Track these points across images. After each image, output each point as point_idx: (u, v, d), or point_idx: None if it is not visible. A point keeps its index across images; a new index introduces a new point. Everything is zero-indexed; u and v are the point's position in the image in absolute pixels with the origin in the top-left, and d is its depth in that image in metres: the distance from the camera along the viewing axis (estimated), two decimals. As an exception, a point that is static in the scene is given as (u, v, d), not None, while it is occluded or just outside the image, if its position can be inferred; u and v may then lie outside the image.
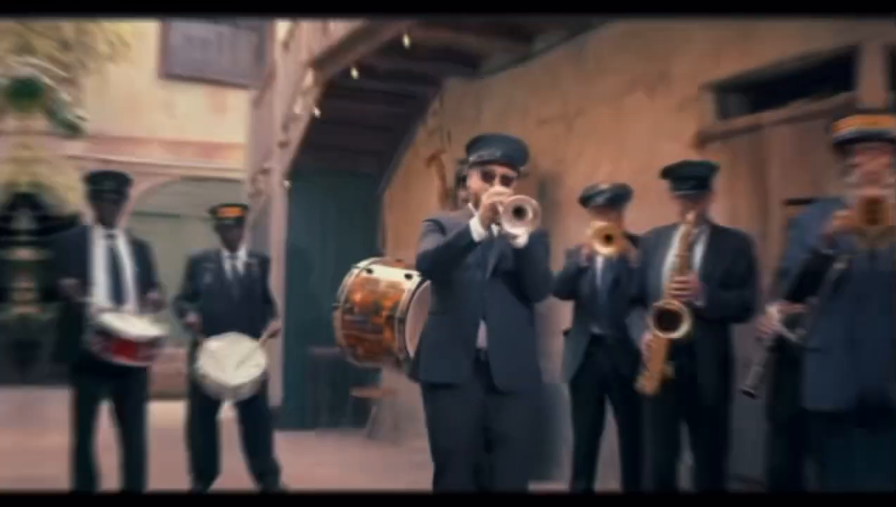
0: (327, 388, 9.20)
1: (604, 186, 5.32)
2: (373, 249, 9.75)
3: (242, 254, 6.30)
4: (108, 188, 5.42)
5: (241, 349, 5.96)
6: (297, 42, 9.35)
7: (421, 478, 6.72)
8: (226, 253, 6.26)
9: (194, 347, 6.01)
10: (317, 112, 8.74)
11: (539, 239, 3.77)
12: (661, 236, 4.67)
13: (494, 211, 3.56)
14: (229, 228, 6.25)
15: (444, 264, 3.72)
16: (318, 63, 8.51)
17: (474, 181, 3.87)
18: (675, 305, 4.23)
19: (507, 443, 3.78)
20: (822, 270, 3.44)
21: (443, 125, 8.75)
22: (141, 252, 5.53)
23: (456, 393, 3.75)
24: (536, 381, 3.99)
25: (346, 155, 9.99)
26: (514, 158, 3.85)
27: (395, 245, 9.56)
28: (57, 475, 5.43)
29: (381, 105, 9.33)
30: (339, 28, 7.85)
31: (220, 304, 6.13)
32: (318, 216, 9.85)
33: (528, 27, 7.15)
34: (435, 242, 3.75)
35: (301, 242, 9.71)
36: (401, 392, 8.78)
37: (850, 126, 3.49)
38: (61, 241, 5.54)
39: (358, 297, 5.60)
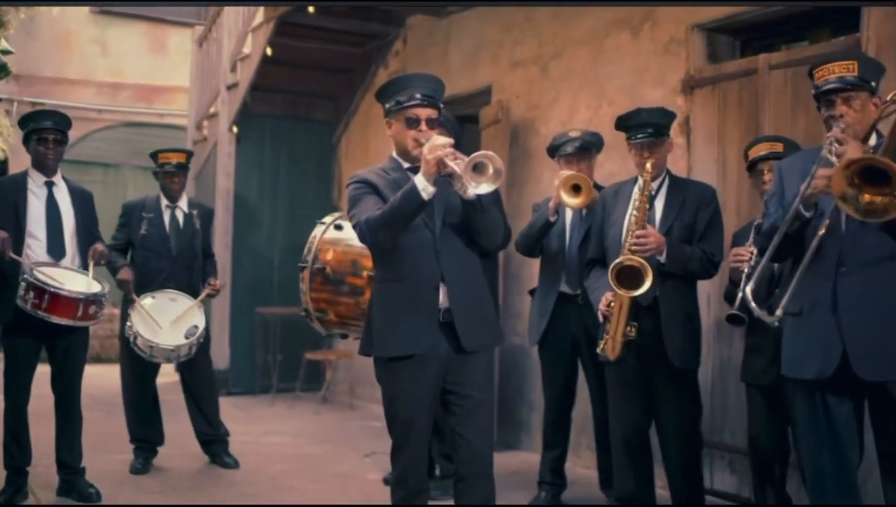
0: (278, 350, 9.04)
1: (573, 134, 5.22)
2: (327, 201, 9.58)
3: (183, 204, 6.10)
4: (47, 127, 5.16)
5: (178, 308, 5.78)
6: (247, -25, 9.06)
7: (379, 445, 6.68)
8: (165, 202, 6.05)
9: (126, 304, 5.81)
10: (268, 52, 8.49)
11: None
12: (619, 192, 4.59)
13: (440, 165, 3.42)
14: (170, 176, 6.03)
15: (393, 231, 3.55)
16: (270, -3, 8.25)
17: (397, 130, 3.70)
18: (636, 260, 4.13)
19: (469, 405, 3.66)
20: (801, 231, 3.37)
21: (406, 67, 8.53)
22: (82, 202, 5.27)
23: (416, 362, 3.62)
24: (497, 332, 3.90)
25: (300, 99, 9.77)
26: (435, 97, 3.70)
27: (352, 197, 9.36)
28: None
29: (339, 45, 9.07)
30: (294, -42, 7.59)
31: (157, 258, 5.94)
32: (268, 165, 9.63)
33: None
34: (373, 207, 3.58)
35: (249, 193, 9.50)
36: (357, 355, 8.66)
37: (829, 74, 3.38)
38: None
39: (330, 256, 5.43)
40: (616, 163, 5.78)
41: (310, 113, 9.87)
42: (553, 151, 5.26)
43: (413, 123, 3.65)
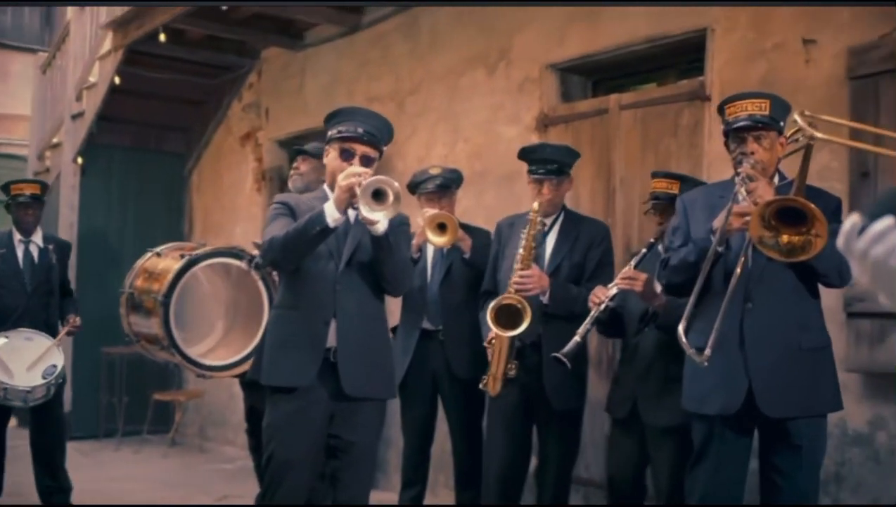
0: (124, 392, 8.71)
1: (434, 172, 5.24)
2: (178, 235, 9.34)
3: (38, 238, 5.85)
4: None
5: (35, 348, 5.51)
6: None
7: (231, 489, 6.51)
8: (18, 236, 5.79)
9: None
10: (116, 81, 8.25)
11: (399, 226, 3.64)
12: (514, 224, 4.57)
13: (351, 193, 3.38)
14: (24, 208, 5.78)
15: (293, 253, 3.51)
16: (119, 25, 8.01)
17: (331, 158, 3.68)
18: (515, 299, 4.15)
19: (353, 452, 3.64)
20: (711, 265, 3.38)
21: (260, 100, 8.45)
22: None
23: (300, 398, 3.57)
24: (390, 385, 3.84)
25: (150, 130, 9.50)
26: (377, 136, 3.68)
27: (203, 230, 9.19)
28: None
29: (191, 76, 8.91)
30: (145, -15, 7.42)
31: (11, 295, 5.67)
32: (115, 198, 9.32)
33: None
34: (284, 227, 3.53)
35: (96, 227, 9.16)
36: (208, 395, 8.46)
37: (741, 111, 3.42)
38: None
39: (139, 282, 5.45)
40: (471, 199, 5.85)
41: (160, 144, 9.61)
42: (413, 187, 5.26)
43: (347, 155, 3.61)
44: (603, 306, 4.09)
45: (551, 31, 5.75)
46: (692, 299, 3.35)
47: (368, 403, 3.66)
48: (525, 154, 4.51)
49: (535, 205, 4.29)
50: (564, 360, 4.06)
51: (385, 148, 3.78)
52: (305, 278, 3.60)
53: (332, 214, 3.41)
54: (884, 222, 1.36)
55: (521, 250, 4.29)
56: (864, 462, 4.30)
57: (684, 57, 5.27)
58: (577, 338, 4.07)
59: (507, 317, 4.14)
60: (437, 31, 6.58)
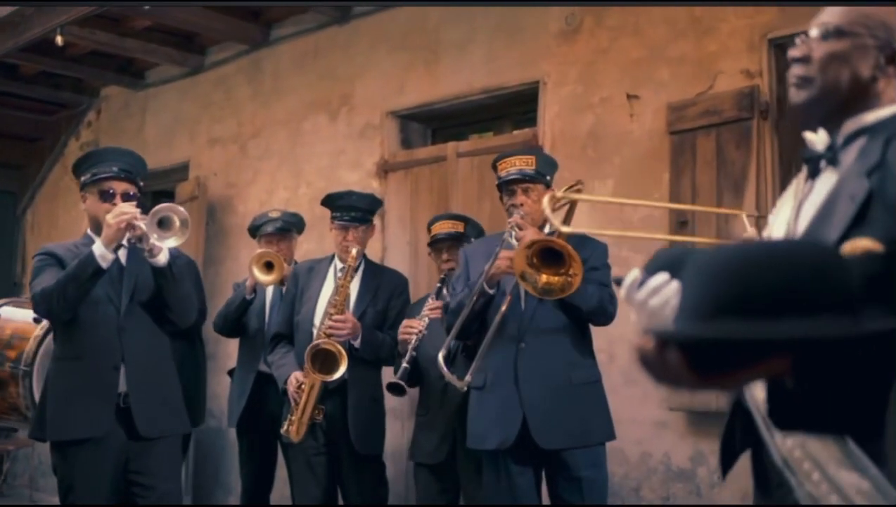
0: (-54, 441, 8.27)
1: (273, 215, 5.23)
2: (9, 277, 8.98)
3: None
4: None
5: None
6: (-80, 32, 8.43)
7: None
8: None
9: None
10: (-56, 116, 7.93)
11: (179, 258, 3.70)
12: (314, 269, 4.57)
13: (125, 230, 3.40)
14: None
15: (67, 302, 3.44)
16: (-54, 58, 7.72)
17: (91, 203, 3.63)
18: (333, 345, 4.12)
19: (153, 496, 3.57)
20: (485, 308, 3.61)
21: (99, 139, 8.23)
22: None
23: (93, 448, 3.49)
24: (183, 419, 3.83)
25: (-21, 168, 9.14)
26: (133, 172, 3.68)
27: (38, 274, 8.84)
28: None
29: (26, 112, 8.64)
30: (-25, 18, 7.15)
31: None
32: (-60, 238, 8.89)
33: (202, 37, 6.94)
34: (54, 277, 3.47)
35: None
36: (38, 444, 8.09)
37: (511, 167, 3.67)
38: None
39: None
40: (313, 242, 5.86)
41: (-8, 183, 9.26)
42: (254, 230, 5.25)
43: (108, 196, 3.57)
44: (421, 335, 4.19)
45: (392, 79, 5.86)
46: (449, 339, 3.62)
47: (163, 440, 3.64)
48: (330, 201, 4.51)
49: (353, 252, 4.26)
50: (402, 383, 4.14)
51: (142, 184, 3.76)
52: (86, 326, 3.54)
53: (102, 256, 3.40)
54: (659, 278, 1.55)
55: (335, 296, 4.26)
56: (686, 497, 4.49)
57: (519, 108, 5.47)
58: (405, 365, 4.16)
59: (323, 362, 4.12)
60: (280, 76, 6.60)
